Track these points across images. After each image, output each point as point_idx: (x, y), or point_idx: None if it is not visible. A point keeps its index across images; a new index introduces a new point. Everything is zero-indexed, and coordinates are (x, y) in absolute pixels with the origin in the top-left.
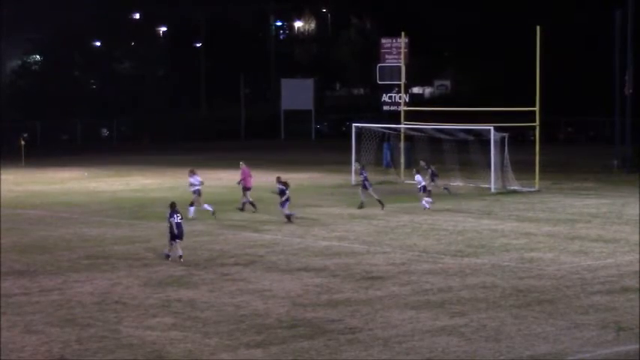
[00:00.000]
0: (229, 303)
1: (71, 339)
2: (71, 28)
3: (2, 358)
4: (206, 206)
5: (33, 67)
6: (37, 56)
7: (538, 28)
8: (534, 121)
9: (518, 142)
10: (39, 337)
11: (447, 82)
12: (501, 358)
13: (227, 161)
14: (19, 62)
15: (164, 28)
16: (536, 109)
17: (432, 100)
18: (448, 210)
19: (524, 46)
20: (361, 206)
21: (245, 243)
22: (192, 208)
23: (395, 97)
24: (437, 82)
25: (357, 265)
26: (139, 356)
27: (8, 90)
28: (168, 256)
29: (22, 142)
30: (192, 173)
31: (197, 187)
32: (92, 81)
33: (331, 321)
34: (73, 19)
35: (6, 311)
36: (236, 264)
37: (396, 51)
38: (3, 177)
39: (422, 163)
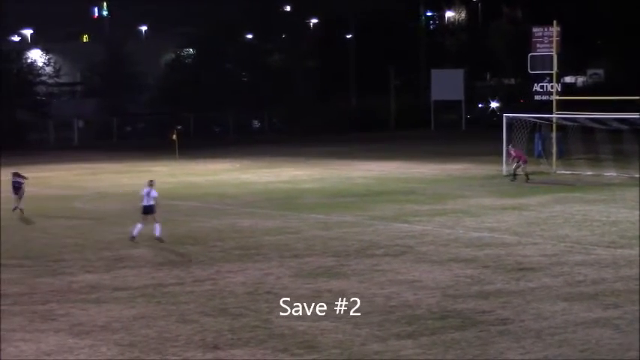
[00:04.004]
0: (379, 294)
1: (224, 328)
2: (223, 21)
3: (158, 347)
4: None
5: (186, 61)
6: (191, 50)
7: None
8: None
9: None
10: (193, 326)
11: (601, 71)
12: None
13: (377, 152)
14: (173, 56)
15: (315, 20)
16: None
17: (585, 89)
18: (601, 200)
19: None
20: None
21: (395, 234)
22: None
23: (547, 86)
24: (590, 71)
25: (508, 256)
26: (291, 346)
27: (162, 83)
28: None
29: (176, 135)
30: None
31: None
32: (243, 73)
33: (482, 312)
34: (226, 12)
35: (161, 301)
36: (386, 255)
37: (547, 40)
38: (157, 169)
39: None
